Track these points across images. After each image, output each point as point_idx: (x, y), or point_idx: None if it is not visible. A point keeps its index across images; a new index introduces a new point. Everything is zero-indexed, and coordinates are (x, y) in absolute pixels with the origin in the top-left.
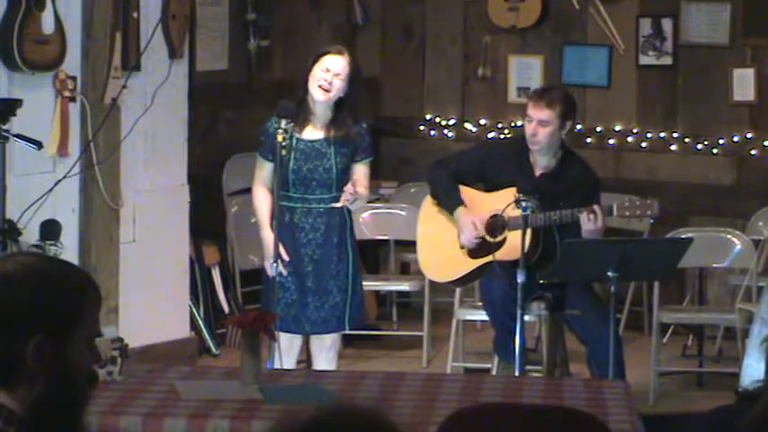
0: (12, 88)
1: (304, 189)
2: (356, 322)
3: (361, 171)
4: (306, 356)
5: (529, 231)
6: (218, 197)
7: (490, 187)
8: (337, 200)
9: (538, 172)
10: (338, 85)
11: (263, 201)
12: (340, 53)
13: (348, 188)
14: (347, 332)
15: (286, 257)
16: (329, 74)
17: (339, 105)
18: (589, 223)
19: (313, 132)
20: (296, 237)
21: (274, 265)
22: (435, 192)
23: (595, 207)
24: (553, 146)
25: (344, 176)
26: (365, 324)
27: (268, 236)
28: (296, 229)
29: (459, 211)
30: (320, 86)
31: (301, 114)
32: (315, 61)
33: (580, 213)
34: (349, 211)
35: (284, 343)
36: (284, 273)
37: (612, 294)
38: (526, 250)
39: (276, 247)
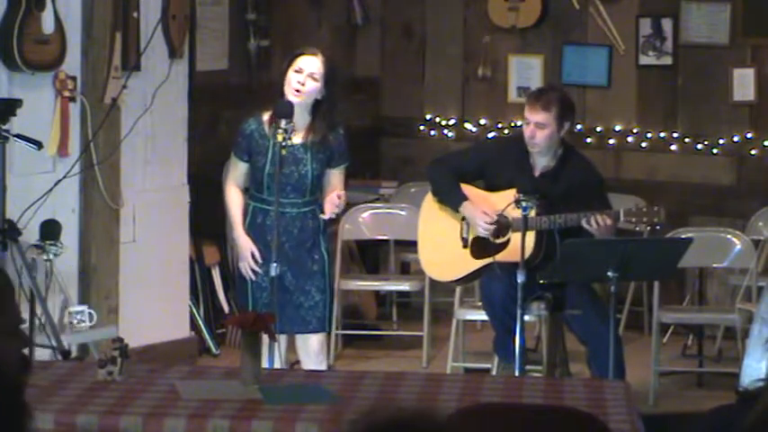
0: (12, 88)
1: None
2: (329, 324)
3: (337, 177)
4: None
5: (533, 234)
6: (218, 197)
7: (490, 186)
8: (309, 204)
9: (537, 172)
10: (312, 86)
11: (235, 200)
12: (314, 54)
13: (333, 200)
14: (347, 332)
15: (260, 259)
16: (302, 75)
17: (316, 108)
18: (592, 228)
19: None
20: (268, 239)
21: (274, 265)
22: (437, 189)
23: (598, 217)
24: (552, 147)
25: (319, 182)
26: (364, 324)
27: (241, 237)
28: (268, 232)
29: (466, 205)
30: (294, 90)
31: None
32: (289, 64)
33: (586, 218)
34: (322, 212)
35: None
36: (273, 274)
37: (612, 294)
38: (530, 253)
39: (277, 248)
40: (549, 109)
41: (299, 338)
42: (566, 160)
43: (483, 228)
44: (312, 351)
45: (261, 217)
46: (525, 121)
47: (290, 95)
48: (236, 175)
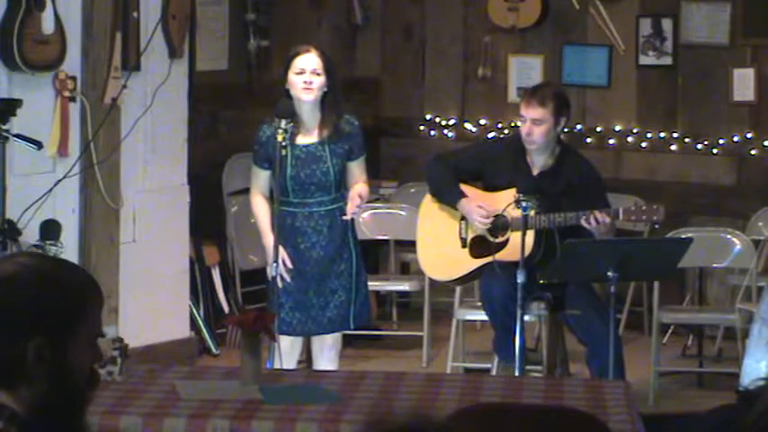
0: (12, 88)
1: (303, 194)
2: (361, 320)
3: (357, 169)
4: (306, 356)
5: (532, 232)
6: (218, 197)
7: (488, 187)
8: (336, 201)
9: (535, 171)
10: (319, 81)
11: (261, 208)
12: (308, 51)
13: (354, 199)
14: (347, 332)
15: (290, 265)
16: (306, 74)
17: (323, 103)
18: (591, 227)
19: (306, 137)
20: (298, 241)
21: (274, 265)
22: (435, 188)
23: (597, 214)
24: (550, 144)
25: (342, 177)
26: (368, 323)
27: (270, 242)
28: (298, 234)
29: (463, 201)
30: (303, 89)
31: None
32: (287, 67)
33: (584, 216)
34: (343, 214)
35: (286, 345)
36: (287, 279)
37: (612, 294)
38: (529, 251)
39: (276, 249)
40: (545, 104)
41: (316, 336)
42: (563, 159)
43: (479, 222)
44: (326, 345)
45: (289, 220)
46: (521, 118)
47: (303, 96)
48: (258, 183)
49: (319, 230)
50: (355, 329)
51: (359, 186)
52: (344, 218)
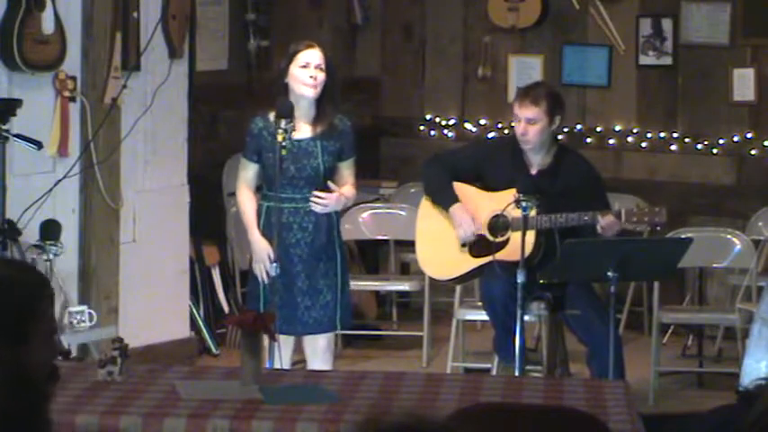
0: (12, 88)
1: (292, 189)
2: (346, 321)
3: (346, 170)
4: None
5: (532, 233)
6: (218, 197)
7: (487, 187)
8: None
9: (534, 171)
10: (322, 77)
11: (248, 203)
12: (312, 46)
13: (327, 196)
14: (347, 332)
15: (274, 262)
16: (311, 68)
17: (320, 98)
18: (599, 227)
19: (299, 132)
20: (284, 237)
21: (274, 264)
22: (429, 189)
23: (601, 221)
24: (545, 143)
25: (331, 175)
26: (364, 324)
27: (256, 238)
28: (284, 229)
29: (455, 207)
30: (308, 85)
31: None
32: (289, 62)
33: (586, 218)
34: (336, 211)
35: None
36: (273, 274)
37: (612, 294)
38: (530, 251)
39: (276, 249)
40: (538, 103)
41: (308, 337)
42: (562, 158)
43: (461, 234)
44: (320, 349)
45: (275, 215)
46: (516, 118)
47: (306, 91)
48: (246, 177)
49: (305, 228)
50: (341, 330)
51: (345, 188)
52: (315, 207)
